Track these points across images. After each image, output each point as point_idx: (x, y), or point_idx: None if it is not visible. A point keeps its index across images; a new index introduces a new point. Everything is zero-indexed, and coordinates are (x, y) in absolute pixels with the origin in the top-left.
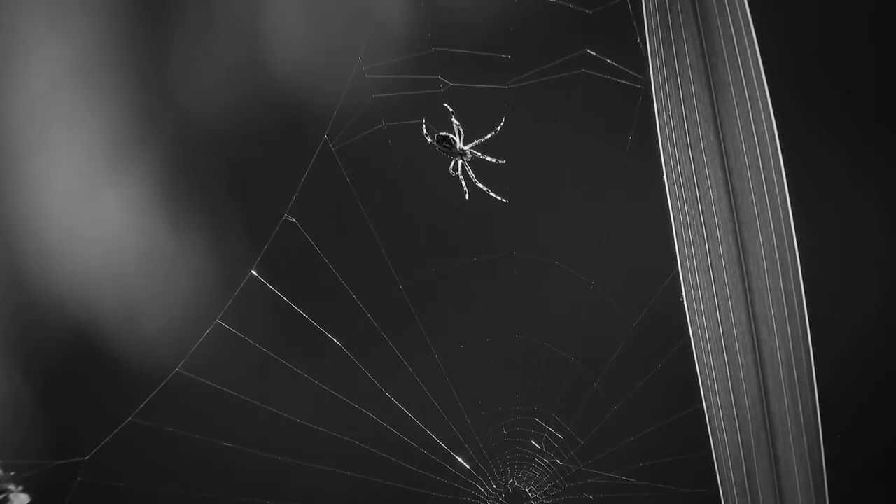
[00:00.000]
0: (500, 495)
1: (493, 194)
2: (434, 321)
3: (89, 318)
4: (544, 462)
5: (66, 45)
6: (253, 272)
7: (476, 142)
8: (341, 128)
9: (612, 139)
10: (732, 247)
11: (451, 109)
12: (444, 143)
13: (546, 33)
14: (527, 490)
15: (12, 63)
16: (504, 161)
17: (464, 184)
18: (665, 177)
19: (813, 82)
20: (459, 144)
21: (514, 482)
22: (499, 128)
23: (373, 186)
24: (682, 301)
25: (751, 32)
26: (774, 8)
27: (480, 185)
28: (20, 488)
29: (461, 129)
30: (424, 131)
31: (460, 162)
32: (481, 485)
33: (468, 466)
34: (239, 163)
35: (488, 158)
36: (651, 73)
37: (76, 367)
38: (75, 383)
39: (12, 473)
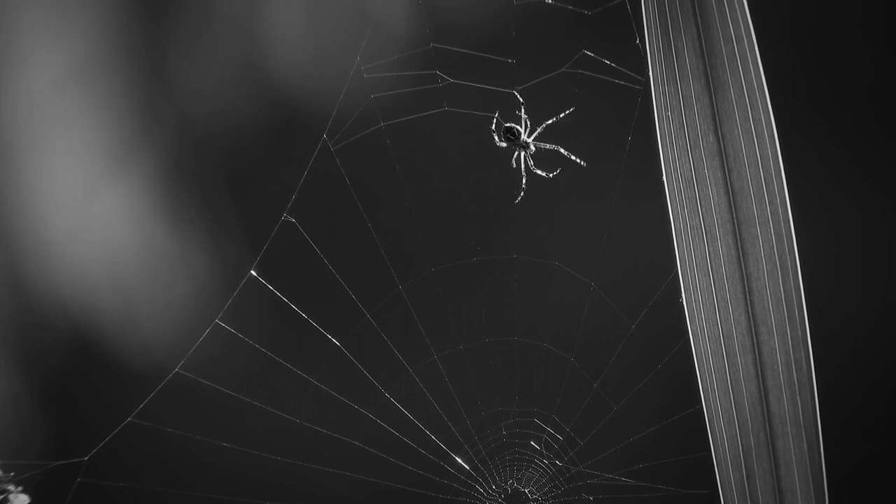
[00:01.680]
0: (500, 496)
1: (549, 175)
2: (433, 321)
3: (89, 318)
4: (544, 463)
5: (65, 46)
6: (252, 272)
7: (538, 131)
8: (340, 128)
9: (611, 140)
10: (732, 248)
11: (521, 100)
12: (509, 135)
13: (545, 33)
14: (526, 491)
15: (11, 63)
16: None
17: (524, 181)
18: (665, 178)
19: (812, 84)
20: (524, 136)
21: (513, 483)
22: (563, 115)
23: (372, 186)
24: (682, 302)
25: (750, 34)
26: (774, 10)
27: (540, 172)
28: (20, 488)
29: (528, 122)
30: (493, 127)
31: (522, 154)
32: (480, 485)
33: (467, 467)
34: (238, 164)
35: (560, 150)
36: (650, 73)
37: (76, 367)
38: (75, 383)
39: (12, 474)
